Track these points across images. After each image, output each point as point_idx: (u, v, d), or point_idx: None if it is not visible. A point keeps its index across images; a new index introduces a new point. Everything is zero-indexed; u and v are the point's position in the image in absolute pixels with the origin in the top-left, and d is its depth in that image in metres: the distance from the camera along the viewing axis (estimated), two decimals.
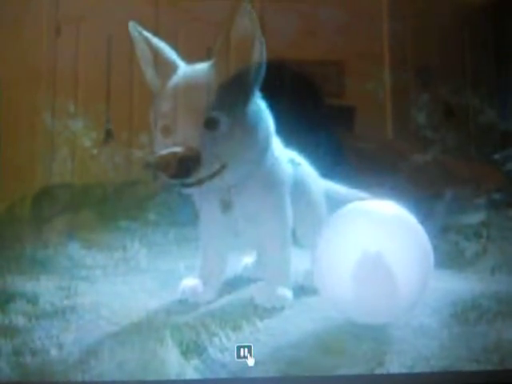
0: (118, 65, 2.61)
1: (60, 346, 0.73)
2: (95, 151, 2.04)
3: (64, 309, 0.84)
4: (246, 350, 0.72)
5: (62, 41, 2.56)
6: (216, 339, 0.74)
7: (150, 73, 0.91)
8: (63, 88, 2.51)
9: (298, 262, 0.89)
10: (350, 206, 0.80)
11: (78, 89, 2.54)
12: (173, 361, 0.69)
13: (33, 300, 0.86)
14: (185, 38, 2.60)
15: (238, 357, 0.72)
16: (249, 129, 0.81)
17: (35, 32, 2.53)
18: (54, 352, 0.72)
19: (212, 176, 0.79)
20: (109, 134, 2.61)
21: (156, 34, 2.65)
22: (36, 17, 2.52)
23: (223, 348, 0.72)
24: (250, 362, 0.71)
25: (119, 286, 0.96)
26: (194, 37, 2.61)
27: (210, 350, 0.71)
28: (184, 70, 0.86)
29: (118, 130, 2.57)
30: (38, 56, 2.54)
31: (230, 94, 0.81)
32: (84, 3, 2.58)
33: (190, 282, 0.89)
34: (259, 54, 0.81)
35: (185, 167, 0.75)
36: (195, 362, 0.69)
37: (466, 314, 0.81)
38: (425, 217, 0.78)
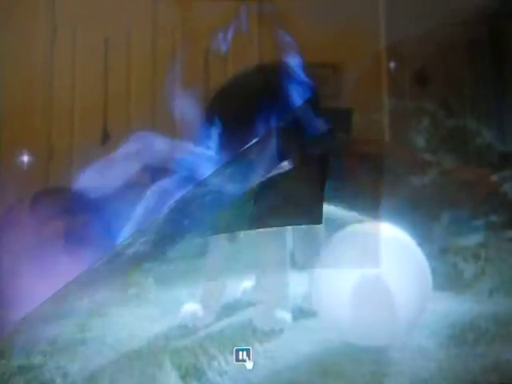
0: (114, 67, 2.62)
1: (65, 375, 0.74)
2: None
3: (75, 342, 0.84)
4: (245, 352, 0.73)
5: (59, 43, 2.57)
6: (215, 362, 0.74)
7: None
8: (60, 92, 2.52)
9: (297, 285, 0.89)
10: (348, 228, 0.82)
11: (76, 91, 2.54)
12: None
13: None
14: (182, 40, 2.61)
15: (237, 360, 0.73)
16: None
17: (31, 34, 2.54)
18: (59, 381, 0.73)
19: None
20: (106, 135, 2.62)
21: (153, 35, 2.65)
22: (32, 19, 2.53)
23: (222, 371, 0.73)
24: (249, 364, 0.72)
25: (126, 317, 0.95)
26: (192, 38, 2.63)
27: (209, 374, 0.72)
28: None
29: (115, 132, 2.58)
30: (35, 59, 2.55)
31: None
32: (81, 6, 2.59)
33: (191, 307, 0.90)
34: None
35: None
36: None
37: (465, 335, 0.82)
38: (423, 239, 0.79)
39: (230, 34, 0.84)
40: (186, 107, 0.93)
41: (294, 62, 0.88)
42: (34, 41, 2.57)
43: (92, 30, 2.58)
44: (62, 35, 2.57)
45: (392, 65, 2.57)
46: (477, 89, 2.72)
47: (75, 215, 1.02)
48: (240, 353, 0.73)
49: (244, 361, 0.72)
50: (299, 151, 0.86)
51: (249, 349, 0.73)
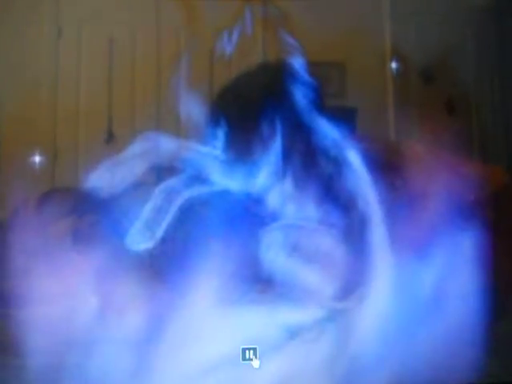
0: (119, 66, 2.66)
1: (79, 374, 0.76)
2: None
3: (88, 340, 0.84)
4: (252, 351, 0.72)
5: (63, 44, 2.61)
6: None
7: None
8: (65, 92, 2.55)
9: None
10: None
11: (80, 91, 2.58)
12: None
13: None
14: (186, 40, 2.65)
15: (244, 359, 0.72)
16: None
17: (37, 35, 2.58)
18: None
19: None
20: (110, 135, 2.66)
21: (157, 35, 2.68)
22: (37, 20, 2.57)
23: None
24: (255, 363, 0.71)
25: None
26: (196, 38, 2.66)
27: None
28: None
29: (120, 132, 2.62)
30: (40, 59, 2.58)
31: None
32: (85, 7, 2.62)
33: None
34: None
35: None
36: None
37: None
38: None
39: (234, 36, 0.85)
40: (191, 106, 0.95)
41: (297, 63, 0.90)
42: (38, 42, 2.60)
43: (96, 30, 2.62)
44: (67, 36, 2.61)
45: (397, 63, 2.59)
46: (482, 86, 2.74)
47: (83, 215, 1.04)
48: (247, 352, 0.72)
49: (251, 360, 0.71)
50: (304, 150, 0.87)
51: (256, 348, 0.72)
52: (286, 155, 0.87)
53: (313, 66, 0.97)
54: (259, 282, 0.79)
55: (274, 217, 0.85)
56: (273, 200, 0.86)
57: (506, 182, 1.01)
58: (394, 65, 2.61)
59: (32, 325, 0.81)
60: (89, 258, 0.89)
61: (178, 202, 0.80)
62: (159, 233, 0.80)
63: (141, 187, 0.88)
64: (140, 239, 0.80)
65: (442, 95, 2.67)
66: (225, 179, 0.85)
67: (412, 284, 0.79)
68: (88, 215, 1.06)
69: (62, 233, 1.01)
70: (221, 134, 0.88)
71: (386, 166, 0.91)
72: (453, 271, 0.84)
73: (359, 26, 2.66)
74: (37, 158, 2.39)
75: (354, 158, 0.83)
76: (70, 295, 0.88)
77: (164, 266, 0.81)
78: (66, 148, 2.58)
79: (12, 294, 0.87)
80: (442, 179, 0.88)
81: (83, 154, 2.58)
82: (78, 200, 1.09)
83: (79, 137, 2.62)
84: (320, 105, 0.92)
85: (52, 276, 0.87)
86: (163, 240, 0.80)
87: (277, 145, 0.86)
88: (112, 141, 2.58)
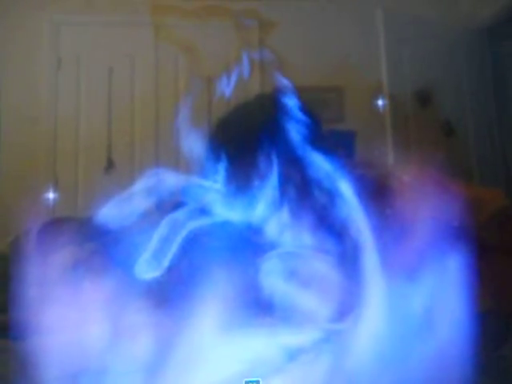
0: (118, 97, 2.72)
1: None
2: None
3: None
4: None
5: (63, 75, 2.68)
6: None
7: None
8: (65, 120, 2.61)
9: None
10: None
11: (80, 120, 2.64)
12: None
13: None
14: (184, 69, 2.72)
15: None
16: None
17: (37, 66, 2.65)
18: None
19: None
20: (110, 164, 2.71)
21: (156, 65, 2.76)
22: (37, 51, 2.65)
23: None
24: None
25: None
26: (193, 67, 2.73)
27: None
28: None
29: (119, 159, 2.66)
30: (39, 90, 2.65)
31: None
32: (85, 38, 2.70)
33: None
34: None
35: None
36: None
37: None
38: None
39: (233, 78, 0.91)
40: (190, 139, 1.00)
41: (292, 101, 0.95)
42: (38, 72, 2.68)
43: (96, 61, 2.70)
44: (67, 66, 2.69)
45: (393, 88, 2.65)
46: (479, 108, 2.80)
47: (84, 243, 1.08)
48: None
49: None
50: (300, 181, 0.93)
51: (258, 380, 0.76)
52: (283, 187, 0.93)
53: (312, 91, 1.01)
54: (259, 307, 0.84)
55: (273, 245, 0.90)
56: (271, 229, 0.91)
57: (506, 205, 1.05)
58: (390, 89, 2.69)
59: (35, 355, 0.85)
60: (91, 287, 0.93)
61: (183, 233, 0.86)
62: (165, 262, 0.85)
63: (144, 220, 0.93)
64: (147, 268, 0.86)
65: (439, 118, 2.74)
66: (225, 211, 0.91)
67: (405, 306, 0.84)
68: (89, 244, 1.10)
69: (63, 261, 1.04)
70: (220, 167, 0.94)
71: (382, 192, 0.96)
72: (448, 294, 0.87)
73: (356, 52, 2.75)
74: (37, 186, 2.45)
75: (346, 188, 0.89)
76: (75, 324, 0.92)
77: (169, 293, 0.86)
78: (67, 176, 2.65)
79: (16, 324, 0.91)
80: (438, 203, 0.91)
81: (83, 182, 2.65)
82: (78, 229, 1.13)
83: (79, 165, 2.68)
84: (315, 138, 0.97)
85: (55, 305, 0.89)
86: (169, 269, 0.86)
87: (274, 177, 0.92)
88: (112, 168, 2.65)
